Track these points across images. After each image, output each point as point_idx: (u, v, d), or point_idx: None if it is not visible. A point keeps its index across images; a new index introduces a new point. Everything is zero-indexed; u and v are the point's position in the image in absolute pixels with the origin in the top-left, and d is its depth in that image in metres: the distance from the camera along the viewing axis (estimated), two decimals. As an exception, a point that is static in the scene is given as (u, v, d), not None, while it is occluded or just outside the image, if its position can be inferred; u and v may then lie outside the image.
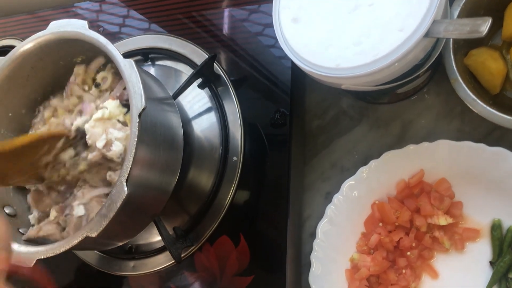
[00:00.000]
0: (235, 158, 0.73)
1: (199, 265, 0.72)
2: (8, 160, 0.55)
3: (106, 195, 0.61)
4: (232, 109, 0.75)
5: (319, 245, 0.68)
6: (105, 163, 0.61)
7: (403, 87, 0.65)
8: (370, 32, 0.55)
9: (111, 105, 0.61)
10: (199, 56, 0.79)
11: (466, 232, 0.65)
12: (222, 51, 0.81)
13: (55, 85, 0.70)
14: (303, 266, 0.71)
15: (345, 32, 0.57)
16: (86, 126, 0.61)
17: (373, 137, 0.73)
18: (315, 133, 0.76)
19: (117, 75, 0.65)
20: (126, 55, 0.83)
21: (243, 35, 0.81)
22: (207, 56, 0.76)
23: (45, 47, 0.65)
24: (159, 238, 0.70)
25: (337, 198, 0.68)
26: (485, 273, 0.64)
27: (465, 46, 0.65)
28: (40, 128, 0.68)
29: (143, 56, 0.83)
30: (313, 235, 0.69)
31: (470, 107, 0.62)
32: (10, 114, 0.69)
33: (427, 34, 0.53)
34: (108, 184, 0.61)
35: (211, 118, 0.76)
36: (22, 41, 0.66)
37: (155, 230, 0.69)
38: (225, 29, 0.82)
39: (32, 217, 0.66)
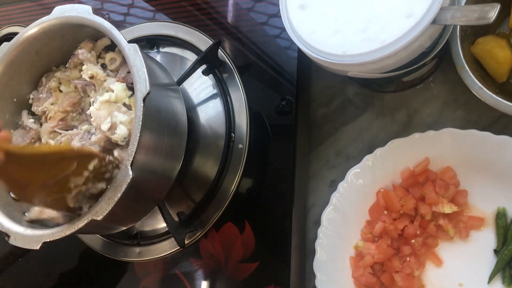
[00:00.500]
0: (240, 146, 0.73)
1: (204, 251, 0.72)
2: (27, 167, 0.50)
3: None
4: (238, 96, 0.75)
5: (323, 232, 0.68)
6: None
7: (409, 75, 0.65)
8: (377, 19, 0.55)
9: (118, 88, 0.61)
10: (205, 43, 0.79)
11: (470, 221, 0.66)
12: (227, 38, 0.80)
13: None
14: (307, 253, 0.72)
15: (352, 19, 0.57)
16: (92, 109, 0.61)
17: (379, 125, 0.73)
18: (320, 121, 0.76)
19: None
20: (132, 42, 0.82)
21: (248, 23, 0.81)
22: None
23: (49, 32, 0.65)
24: (165, 224, 0.70)
25: (342, 186, 0.69)
26: (489, 262, 0.64)
27: (472, 34, 0.65)
28: (44, 105, 0.67)
29: (149, 43, 0.83)
30: (317, 223, 0.69)
31: (477, 95, 0.62)
32: (15, 100, 0.69)
33: (434, 21, 0.53)
34: None
35: (217, 106, 0.76)
36: (26, 28, 0.66)
37: (160, 216, 0.70)
38: (230, 17, 0.82)
39: None
